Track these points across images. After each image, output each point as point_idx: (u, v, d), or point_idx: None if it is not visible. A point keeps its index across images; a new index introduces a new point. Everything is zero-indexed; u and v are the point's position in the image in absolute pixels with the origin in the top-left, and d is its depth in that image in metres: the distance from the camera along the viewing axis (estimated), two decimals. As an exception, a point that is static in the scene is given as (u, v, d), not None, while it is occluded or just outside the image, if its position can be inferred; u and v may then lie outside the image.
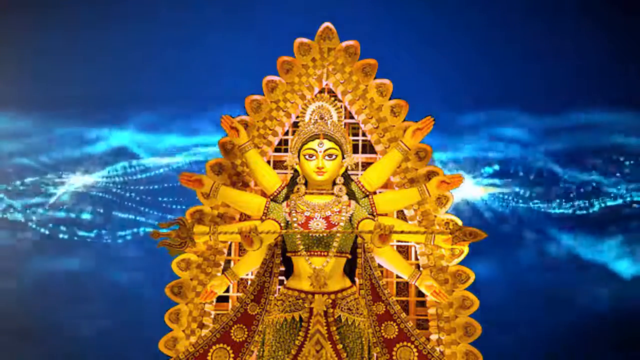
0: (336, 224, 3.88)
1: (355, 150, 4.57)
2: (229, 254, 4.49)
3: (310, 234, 3.86)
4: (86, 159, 6.80)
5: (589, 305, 6.37)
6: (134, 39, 6.60)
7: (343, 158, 4.00)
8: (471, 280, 4.28)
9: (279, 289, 4.13)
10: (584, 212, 6.75)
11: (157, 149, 6.84)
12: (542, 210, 6.80)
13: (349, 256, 3.96)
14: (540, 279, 6.53)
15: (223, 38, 6.58)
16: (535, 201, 6.81)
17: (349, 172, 4.19)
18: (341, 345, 3.77)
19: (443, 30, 6.63)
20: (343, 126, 4.12)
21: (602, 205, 6.73)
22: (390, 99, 4.46)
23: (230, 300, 4.48)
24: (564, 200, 6.78)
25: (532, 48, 6.65)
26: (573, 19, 6.57)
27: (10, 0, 6.65)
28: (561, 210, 6.77)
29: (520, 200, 6.83)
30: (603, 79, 6.52)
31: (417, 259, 4.42)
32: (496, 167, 6.81)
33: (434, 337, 4.29)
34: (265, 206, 4.13)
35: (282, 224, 3.92)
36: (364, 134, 4.55)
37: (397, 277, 4.40)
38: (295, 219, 3.92)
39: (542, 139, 6.76)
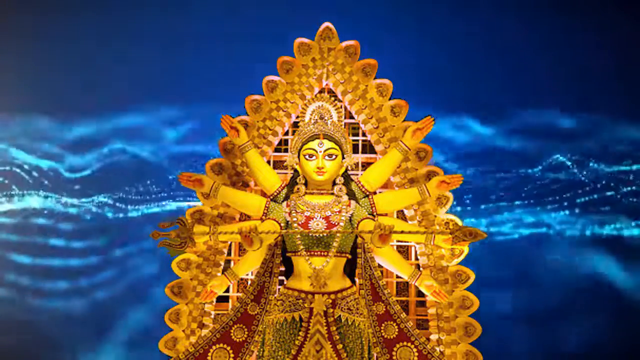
0: (336, 224, 3.89)
1: (355, 150, 4.57)
2: (229, 254, 4.49)
3: (310, 234, 3.86)
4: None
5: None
6: (134, 39, 6.60)
7: (343, 158, 4.00)
8: (471, 280, 4.28)
9: (279, 289, 4.13)
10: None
11: (158, 149, 6.83)
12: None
13: (349, 256, 3.96)
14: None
15: (222, 38, 6.58)
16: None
17: (349, 172, 4.19)
18: (341, 345, 3.77)
19: (443, 30, 6.63)
20: (343, 126, 4.12)
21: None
22: (390, 99, 4.47)
23: (230, 300, 4.48)
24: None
25: (532, 48, 6.65)
26: (576, 18, 6.58)
27: (10, 6, 6.65)
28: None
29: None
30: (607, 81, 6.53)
31: (417, 259, 4.43)
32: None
33: (434, 337, 4.29)
34: (265, 206, 4.14)
35: (282, 224, 3.92)
36: (364, 134, 4.55)
37: (397, 277, 4.40)
38: (295, 219, 3.92)
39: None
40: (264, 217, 4.10)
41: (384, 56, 4.52)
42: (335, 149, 3.97)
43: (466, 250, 4.26)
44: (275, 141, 4.53)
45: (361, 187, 4.18)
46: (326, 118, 4.05)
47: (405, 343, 3.99)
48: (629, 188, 6.61)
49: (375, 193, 4.27)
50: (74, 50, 6.61)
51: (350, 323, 3.83)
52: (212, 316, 4.38)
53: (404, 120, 4.44)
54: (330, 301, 3.83)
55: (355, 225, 3.89)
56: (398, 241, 4.46)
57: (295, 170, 4.14)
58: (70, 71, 6.61)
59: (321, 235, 3.86)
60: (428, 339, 4.15)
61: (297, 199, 3.99)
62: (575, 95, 6.56)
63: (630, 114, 6.52)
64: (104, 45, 6.63)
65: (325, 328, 3.78)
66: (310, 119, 4.08)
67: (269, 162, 4.50)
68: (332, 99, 4.17)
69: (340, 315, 3.83)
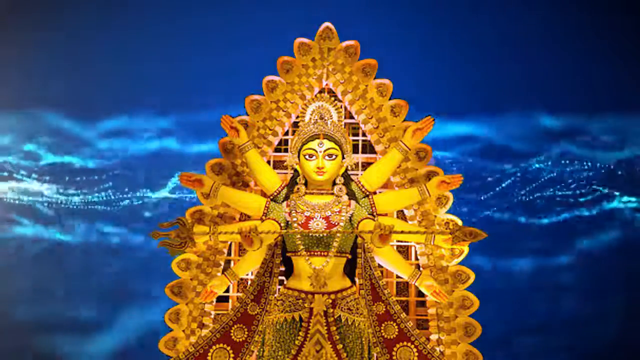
0: (336, 224, 3.89)
1: (355, 150, 4.57)
2: (229, 254, 4.49)
3: (310, 234, 3.86)
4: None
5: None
6: (135, 39, 6.60)
7: (343, 158, 4.00)
8: (471, 280, 4.28)
9: (279, 289, 4.13)
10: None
11: (160, 149, 6.84)
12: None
13: (349, 256, 3.96)
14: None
15: (223, 38, 6.58)
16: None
17: (349, 172, 4.19)
18: (341, 345, 3.77)
19: (443, 30, 6.63)
20: (343, 126, 4.12)
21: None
22: (390, 99, 4.47)
23: (230, 300, 4.48)
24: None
25: (532, 48, 6.65)
26: (574, 19, 6.58)
27: (13, 2, 6.66)
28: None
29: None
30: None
31: (417, 259, 4.42)
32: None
33: (434, 337, 4.29)
34: (265, 206, 4.14)
35: (282, 224, 3.92)
36: (364, 134, 4.55)
37: (397, 277, 4.40)
38: (295, 219, 3.92)
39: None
40: (264, 217, 4.10)
41: (384, 56, 4.53)
42: (335, 149, 3.97)
43: (466, 250, 4.26)
44: (275, 141, 4.53)
45: (361, 187, 4.18)
46: (326, 118, 4.05)
47: (405, 343, 3.99)
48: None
49: (375, 193, 4.27)
50: (75, 50, 6.62)
51: (350, 323, 3.83)
52: (212, 316, 4.38)
53: (404, 120, 4.44)
54: (330, 301, 3.83)
55: (355, 225, 3.89)
56: (398, 241, 4.46)
57: (295, 170, 4.14)
58: (70, 71, 6.61)
59: (321, 235, 3.86)
60: (428, 339, 4.15)
61: (297, 199, 3.99)
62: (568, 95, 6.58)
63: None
64: (105, 46, 6.64)
65: (325, 328, 3.78)
66: (310, 119, 4.08)
67: (269, 162, 4.50)
68: (332, 99, 4.17)
69: (340, 315, 3.82)
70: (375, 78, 4.48)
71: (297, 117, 4.43)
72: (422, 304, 4.42)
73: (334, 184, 4.02)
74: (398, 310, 4.01)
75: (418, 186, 4.22)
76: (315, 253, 3.87)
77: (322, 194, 4.00)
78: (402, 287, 4.47)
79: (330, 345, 3.76)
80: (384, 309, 4.01)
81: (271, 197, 4.17)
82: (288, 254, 3.95)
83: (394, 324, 4.01)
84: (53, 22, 6.59)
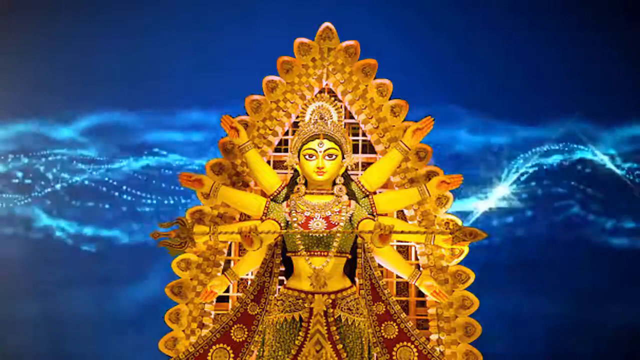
0: (336, 224, 3.88)
1: (355, 150, 4.57)
2: (229, 254, 4.49)
3: (310, 234, 3.86)
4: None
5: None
6: (135, 38, 6.61)
7: (343, 158, 4.00)
8: (471, 280, 4.28)
9: (279, 289, 4.13)
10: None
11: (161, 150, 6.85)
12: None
13: (349, 256, 3.96)
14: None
15: (223, 38, 6.59)
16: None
17: (349, 172, 4.19)
18: (341, 345, 3.77)
19: (444, 30, 6.63)
20: (343, 126, 4.12)
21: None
22: (390, 99, 4.47)
23: (230, 300, 4.48)
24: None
25: (534, 49, 6.66)
26: (576, 21, 6.58)
27: (11, 6, 6.66)
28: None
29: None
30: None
31: (417, 259, 4.43)
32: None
33: (434, 337, 4.29)
34: (265, 206, 4.14)
35: (282, 224, 3.92)
36: (364, 134, 4.56)
37: (397, 277, 4.40)
38: (295, 219, 3.92)
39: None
40: (264, 217, 4.10)
41: (384, 55, 4.53)
42: (335, 149, 3.97)
43: (466, 250, 4.26)
44: (275, 141, 4.53)
45: (361, 187, 4.18)
46: (326, 118, 4.05)
47: (405, 343, 3.99)
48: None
49: (375, 193, 4.27)
50: (75, 50, 6.62)
51: (350, 323, 3.83)
52: (212, 316, 4.39)
53: (404, 120, 4.44)
54: (330, 301, 3.83)
55: (355, 225, 3.88)
56: (398, 241, 4.46)
57: (295, 170, 4.14)
58: (69, 71, 6.62)
59: (321, 235, 3.86)
60: (428, 339, 4.15)
61: (297, 199, 3.99)
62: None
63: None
64: (105, 46, 6.64)
65: (325, 328, 3.78)
66: (310, 119, 4.08)
67: (269, 162, 4.50)
68: (332, 99, 4.17)
69: (340, 315, 3.82)
70: (375, 78, 4.48)
71: (297, 117, 4.43)
72: (422, 304, 4.42)
73: (334, 184, 4.02)
74: (398, 310, 4.01)
75: (418, 186, 4.22)
76: (315, 253, 3.87)
77: (322, 194, 4.01)
78: (402, 287, 4.47)
79: (330, 345, 3.76)
80: (384, 309, 4.01)
81: (271, 197, 4.17)
82: (288, 254, 3.95)
83: (394, 324, 4.01)
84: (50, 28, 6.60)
